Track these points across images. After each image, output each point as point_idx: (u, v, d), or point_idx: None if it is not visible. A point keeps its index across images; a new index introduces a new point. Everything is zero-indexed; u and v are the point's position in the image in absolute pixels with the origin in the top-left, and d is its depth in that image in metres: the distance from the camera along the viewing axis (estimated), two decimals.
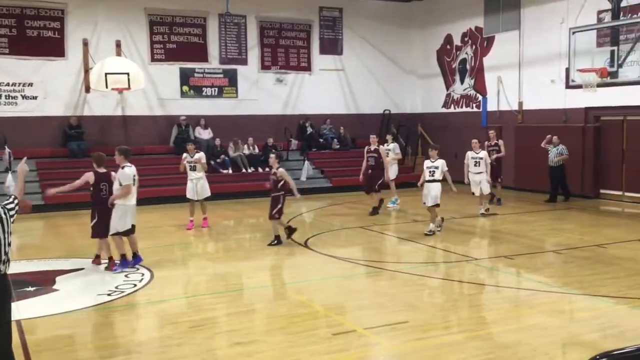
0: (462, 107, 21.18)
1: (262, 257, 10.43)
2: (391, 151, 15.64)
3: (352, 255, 10.39)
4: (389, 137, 16.31)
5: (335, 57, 21.69)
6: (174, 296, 8.26)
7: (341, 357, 5.75)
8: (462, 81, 21.21)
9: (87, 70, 17.09)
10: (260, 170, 18.81)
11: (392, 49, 22.50)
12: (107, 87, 15.86)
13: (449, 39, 21.66)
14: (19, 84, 17.35)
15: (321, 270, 9.42)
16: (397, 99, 22.69)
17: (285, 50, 20.95)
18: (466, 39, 20.90)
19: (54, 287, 8.52)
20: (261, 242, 11.40)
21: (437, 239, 11.49)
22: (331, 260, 10.01)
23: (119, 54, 17.18)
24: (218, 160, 18.52)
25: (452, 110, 21.55)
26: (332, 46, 21.66)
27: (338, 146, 20.99)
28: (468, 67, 20.87)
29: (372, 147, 14.67)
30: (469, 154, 14.23)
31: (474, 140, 14.43)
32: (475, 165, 14.03)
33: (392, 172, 15.45)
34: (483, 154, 14.17)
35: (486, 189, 14.07)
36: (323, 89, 21.35)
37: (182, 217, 13.78)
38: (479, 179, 13.97)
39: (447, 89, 21.80)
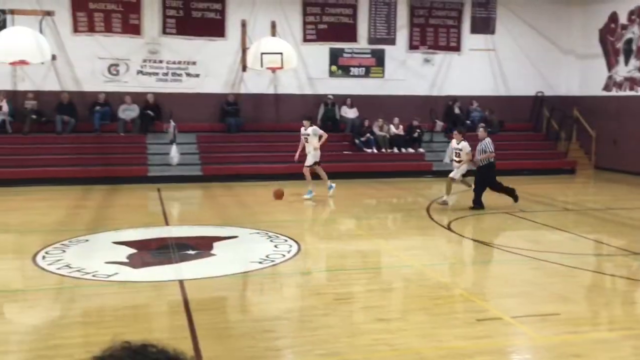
0: (625, 90, 19.62)
1: (404, 237, 10.53)
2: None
3: (496, 241, 10.17)
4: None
5: (486, 36, 20.96)
6: (319, 269, 8.64)
7: (486, 343, 5.73)
8: (626, 62, 19.61)
9: (244, 50, 18.02)
10: (403, 150, 18.84)
11: (549, 28, 21.30)
12: (262, 66, 16.64)
13: (613, 17, 20.06)
14: (184, 62, 18.71)
15: (463, 254, 9.34)
16: (552, 81, 21.51)
17: (435, 29, 20.61)
18: (633, 17, 19.24)
19: (212, 252, 9.24)
20: (402, 222, 11.49)
21: (589, 230, 10.88)
22: (474, 245, 9.87)
23: (273, 34, 17.92)
24: (362, 139, 18.80)
25: (613, 93, 20.04)
26: (484, 25, 20.95)
27: None
28: (634, 47, 19.23)
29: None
30: (452, 143, 13.60)
31: (455, 132, 13.53)
32: (456, 155, 13.30)
33: (309, 157, 14.19)
34: (463, 144, 13.14)
35: (454, 174, 13.12)
36: (472, 70, 20.76)
37: (323, 193, 14.15)
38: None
39: (609, 70, 20.28)
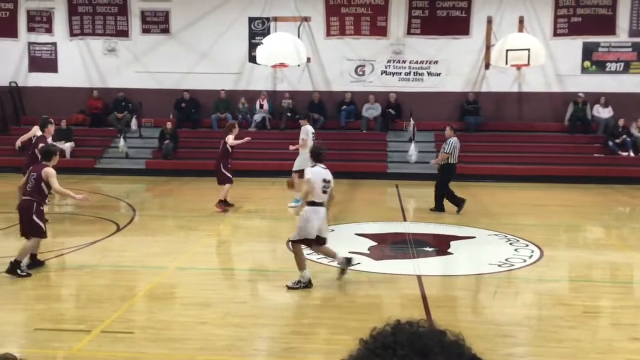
0: None
1: None
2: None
3: None
4: None
5: None
6: (563, 277, 8.14)
7: None
8: None
9: (488, 47, 17.64)
10: None
11: None
12: (506, 63, 16.13)
13: None
14: (426, 61, 18.93)
15: None
16: None
17: None
18: None
19: (449, 250, 9.26)
20: None
21: None
22: None
23: (521, 30, 17.23)
24: (617, 141, 17.16)
25: None
26: None
27: None
28: None
29: None
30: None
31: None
32: None
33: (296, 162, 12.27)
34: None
35: None
36: None
37: (568, 197, 13.26)
38: None
39: None
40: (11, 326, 6.11)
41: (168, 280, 7.73)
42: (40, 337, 5.68)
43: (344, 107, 18.63)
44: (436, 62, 18.86)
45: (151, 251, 8.97)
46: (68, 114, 18.23)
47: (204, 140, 18.10)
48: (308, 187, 7.11)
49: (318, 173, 7.21)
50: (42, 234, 7.64)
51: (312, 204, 7.10)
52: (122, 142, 17.64)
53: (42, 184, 7.58)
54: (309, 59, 17.80)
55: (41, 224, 7.60)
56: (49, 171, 7.60)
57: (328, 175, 7.26)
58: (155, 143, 17.97)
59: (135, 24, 19.21)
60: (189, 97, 18.72)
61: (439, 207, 12.26)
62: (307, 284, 7.09)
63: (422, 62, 18.95)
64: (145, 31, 19.22)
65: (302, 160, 11.68)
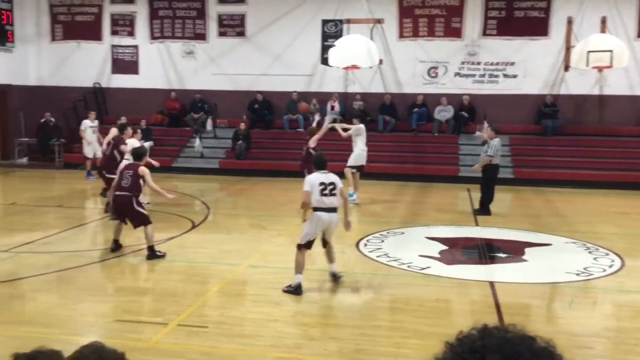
0: None
1: None
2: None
3: None
4: None
5: None
6: None
7: None
8: None
9: (568, 49, 17.04)
10: None
11: None
12: (587, 65, 15.54)
13: None
14: (502, 63, 18.48)
15: None
16: None
17: None
18: None
19: (523, 257, 9.01)
20: None
21: None
22: None
23: (603, 30, 16.55)
24: None
25: None
26: None
27: None
28: None
29: None
30: None
31: None
32: None
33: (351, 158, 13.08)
34: None
35: None
36: None
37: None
38: None
39: None
40: (93, 317, 6.41)
41: (240, 277, 7.90)
42: (120, 328, 5.93)
43: (416, 109, 18.46)
44: (512, 63, 18.39)
45: (224, 248, 9.19)
46: (148, 115, 18.92)
47: (276, 141, 18.39)
48: (304, 197, 7.11)
49: (315, 179, 7.16)
50: (148, 220, 8.53)
51: (315, 209, 7.12)
52: (197, 142, 18.16)
53: (140, 180, 8.47)
54: (381, 61, 17.74)
55: (144, 212, 8.59)
56: (144, 169, 8.55)
57: (328, 178, 7.20)
58: (228, 143, 18.38)
59: (212, 27, 19.73)
60: (262, 98, 19.05)
61: (484, 210, 12.03)
62: (296, 289, 7.00)
63: (497, 63, 18.52)
64: (222, 34, 19.70)
65: (355, 156, 13.04)
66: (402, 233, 10.49)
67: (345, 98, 19.06)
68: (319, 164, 7.42)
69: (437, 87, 18.74)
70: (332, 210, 7.17)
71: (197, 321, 6.12)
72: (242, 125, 18.11)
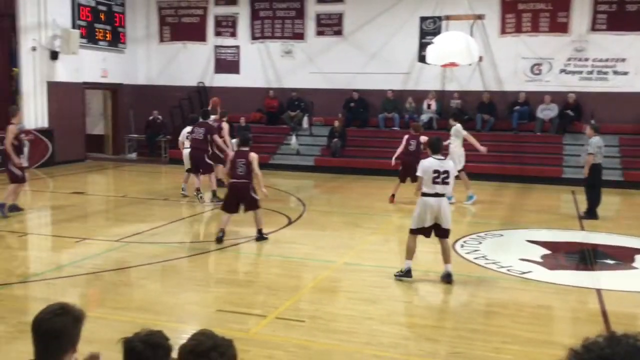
0: None
1: None
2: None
3: None
4: None
5: None
6: None
7: None
8: None
9: None
10: None
11: None
12: None
13: None
14: (612, 59, 17.50)
15: None
16: None
17: None
18: None
19: (633, 264, 8.50)
20: None
21: None
22: None
23: None
24: None
25: None
26: None
27: None
28: None
29: None
30: None
31: None
32: None
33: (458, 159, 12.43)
34: None
35: None
36: None
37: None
38: None
39: None
40: (196, 306, 6.70)
41: (335, 274, 7.97)
42: (222, 317, 6.16)
43: (517, 107, 17.84)
44: (623, 60, 17.37)
45: (319, 245, 9.31)
46: (247, 112, 19.48)
47: (371, 140, 18.37)
48: (418, 184, 7.40)
49: (429, 165, 7.26)
50: (259, 205, 9.21)
51: (423, 194, 7.27)
52: (294, 139, 18.48)
53: (251, 167, 9.04)
54: (480, 58, 17.28)
55: (257, 197, 9.20)
56: (254, 155, 9.14)
57: (443, 165, 7.26)
58: (324, 141, 18.57)
59: (310, 26, 20.00)
60: (357, 96, 19.09)
61: (591, 214, 11.41)
62: (407, 274, 7.32)
63: (607, 60, 17.56)
64: (320, 33, 19.93)
65: (459, 157, 12.73)
66: (501, 235, 10.18)
67: (442, 96, 18.74)
68: (434, 147, 7.44)
69: (540, 85, 18.02)
70: (440, 195, 7.25)
71: (293, 315, 6.24)
72: (338, 123, 18.25)
